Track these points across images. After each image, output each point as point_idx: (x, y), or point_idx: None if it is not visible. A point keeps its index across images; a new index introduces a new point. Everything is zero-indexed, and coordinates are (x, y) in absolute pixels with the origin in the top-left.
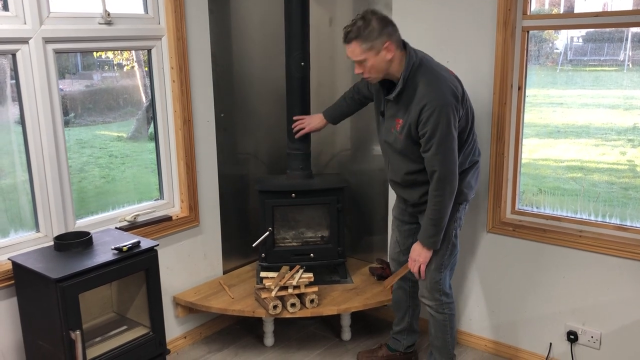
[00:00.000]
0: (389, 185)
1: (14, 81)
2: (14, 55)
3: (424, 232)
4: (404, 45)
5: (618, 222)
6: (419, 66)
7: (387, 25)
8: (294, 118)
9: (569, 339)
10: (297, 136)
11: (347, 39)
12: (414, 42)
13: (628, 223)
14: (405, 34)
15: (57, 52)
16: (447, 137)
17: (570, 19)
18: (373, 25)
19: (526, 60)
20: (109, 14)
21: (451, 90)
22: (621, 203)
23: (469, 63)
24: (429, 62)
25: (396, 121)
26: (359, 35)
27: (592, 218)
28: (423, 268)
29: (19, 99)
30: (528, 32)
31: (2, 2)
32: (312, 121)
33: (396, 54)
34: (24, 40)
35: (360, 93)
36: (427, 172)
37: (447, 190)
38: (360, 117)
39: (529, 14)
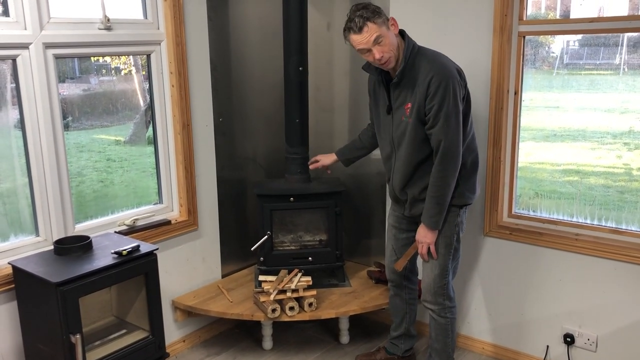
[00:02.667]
0: (388, 190)
1: (13, 85)
2: (14, 61)
3: (426, 211)
4: (401, 33)
5: (614, 226)
6: (417, 50)
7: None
8: (308, 163)
9: (565, 342)
10: (311, 167)
11: (361, 24)
12: None
13: (624, 226)
14: None
15: (57, 57)
16: (455, 109)
17: (566, 25)
18: (374, 7)
19: (522, 65)
20: (108, 19)
21: (454, 65)
22: (617, 206)
23: (465, 68)
24: (426, 48)
25: (405, 107)
26: (369, 16)
27: (588, 221)
28: (433, 249)
29: (19, 103)
30: (524, 37)
31: (2, 8)
32: (323, 157)
33: (398, 34)
34: (25, 46)
35: (373, 127)
36: (433, 147)
37: (450, 166)
38: (359, 121)
39: (525, 19)
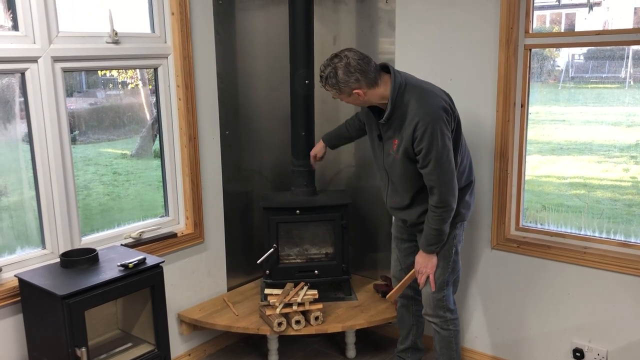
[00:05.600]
0: (388, 209)
1: (22, 99)
2: (22, 74)
3: (426, 240)
4: (387, 69)
5: (622, 239)
6: (405, 86)
7: (354, 72)
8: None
9: (575, 357)
10: (314, 167)
11: (320, 82)
12: (416, 60)
13: (632, 239)
14: (408, 52)
15: (65, 70)
16: (444, 150)
17: (571, 37)
18: (339, 76)
19: (528, 78)
20: (116, 33)
21: (441, 103)
22: (625, 219)
23: (472, 81)
24: (415, 79)
25: (393, 142)
26: (327, 83)
27: (596, 234)
28: (432, 278)
29: (27, 117)
30: (530, 50)
31: (12, 22)
32: (315, 149)
33: (369, 92)
34: (33, 60)
35: (360, 120)
36: (427, 186)
37: (450, 201)
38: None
39: (530, 32)
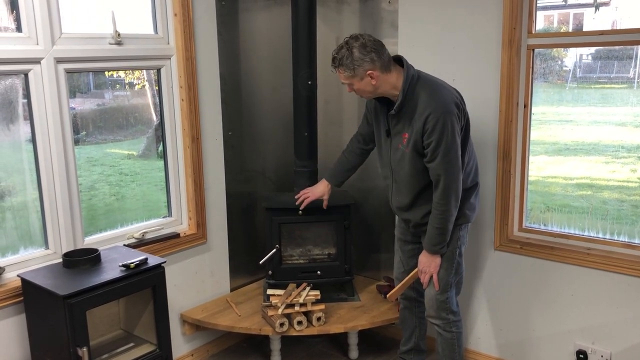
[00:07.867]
0: (393, 208)
1: (25, 100)
2: (26, 75)
3: (430, 240)
4: (400, 61)
5: (627, 240)
6: (417, 79)
7: (370, 52)
8: (296, 197)
9: (578, 358)
10: (302, 206)
11: (333, 65)
12: (419, 60)
13: (637, 241)
14: (411, 52)
15: (68, 71)
16: (453, 145)
17: (574, 37)
18: (355, 55)
19: (532, 78)
20: (119, 35)
21: (452, 98)
22: (631, 220)
23: (474, 81)
24: (427, 75)
25: (403, 136)
26: (341, 64)
27: (600, 236)
28: (435, 278)
29: (30, 117)
30: (533, 50)
31: (15, 24)
32: (315, 189)
33: (382, 77)
34: (36, 61)
35: (359, 141)
36: (432, 181)
37: (452, 199)
38: None
39: (533, 32)
